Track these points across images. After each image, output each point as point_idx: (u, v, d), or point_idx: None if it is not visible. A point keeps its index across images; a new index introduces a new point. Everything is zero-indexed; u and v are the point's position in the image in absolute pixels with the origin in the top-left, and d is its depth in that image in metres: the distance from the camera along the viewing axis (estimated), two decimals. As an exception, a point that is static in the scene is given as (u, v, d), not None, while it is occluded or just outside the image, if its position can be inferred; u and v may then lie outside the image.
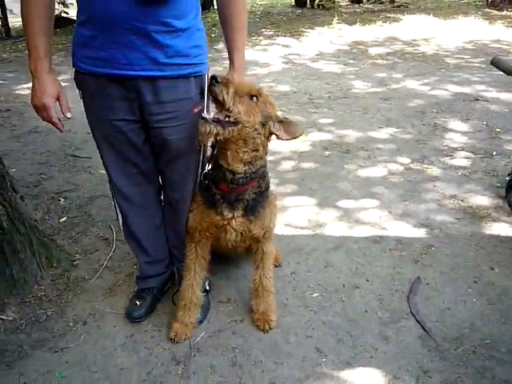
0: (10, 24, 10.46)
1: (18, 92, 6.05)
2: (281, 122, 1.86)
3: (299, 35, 9.81)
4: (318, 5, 13.99)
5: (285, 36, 9.81)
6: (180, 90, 1.77)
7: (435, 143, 4.29)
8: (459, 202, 3.29)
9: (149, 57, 1.66)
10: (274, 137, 1.90)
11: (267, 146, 1.90)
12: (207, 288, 2.33)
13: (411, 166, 3.86)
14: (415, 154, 4.07)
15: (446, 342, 2.12)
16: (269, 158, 2.03)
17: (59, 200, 3.38)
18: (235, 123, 1.71)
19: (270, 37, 9.78)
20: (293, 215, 3.15)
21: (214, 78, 1.66)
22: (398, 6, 13.77)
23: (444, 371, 1.98)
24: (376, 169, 3.82)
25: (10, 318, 2.25)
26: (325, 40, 9.41)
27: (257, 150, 1.83)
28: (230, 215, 1.95)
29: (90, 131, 1.96)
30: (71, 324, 2.25)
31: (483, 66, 6.92)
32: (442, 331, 2.19)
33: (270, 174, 2.10)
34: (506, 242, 2.83)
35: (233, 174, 1.85)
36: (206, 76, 1.87)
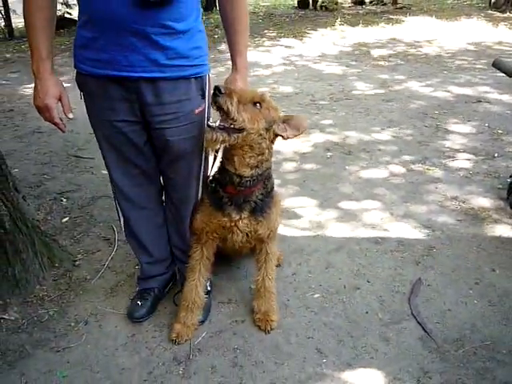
0: (13, 24, 10.48)
1: (20, 92, 6.07)
2: (285, 121, 1.88)
3: (302, 36, 9.82)
4: (321, 6, 14.01)
5: (287, 37, 9.82)
6: (181, 91, 1.78)
7: (437, 145, 4.29)
8: (461, 203, 3.29)
9: (149, 58, 1.67)
10: (279, 138, 1.92)
11: (272, 148, 1.92)
12: (209, 288, 2.34)
13: (413, 167, 3.86)
14: (417, 155, 4.07)
15: (447, 344, 2.12)
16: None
17: (61, 200, 3.39)
18: (240, 130, 1.74)
19: (272, 38, 9.79)
20: (294, 216, 3.15)
21: (217, 88, 1.68)
22: (401, 8, 13.77)
23: (445, 372, 1.98)
24: (378, 170, 3.82)
25: (12, 318, 2.26)
26: (327, 41, 9.42)
27: (263, 154, 1.86)
28: (237, 217, 1.98)
29: (92, 132, 1.97)
30: (73, 324, 2.26)
31: (485, 67, 6.92)
32: (443, 332, 2.19)
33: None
34: (507, 243, 2.83)
35: (240, 178, 1.88)
36: (206, 77, 1.88)
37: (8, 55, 8.67)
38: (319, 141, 4.43)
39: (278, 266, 2.57)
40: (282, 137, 1.88)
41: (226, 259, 2.55)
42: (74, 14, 10.75)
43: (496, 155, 4.03)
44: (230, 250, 2.29)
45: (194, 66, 1.78)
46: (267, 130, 1.82)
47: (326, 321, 2.27)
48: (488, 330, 2.20)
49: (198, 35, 1.78)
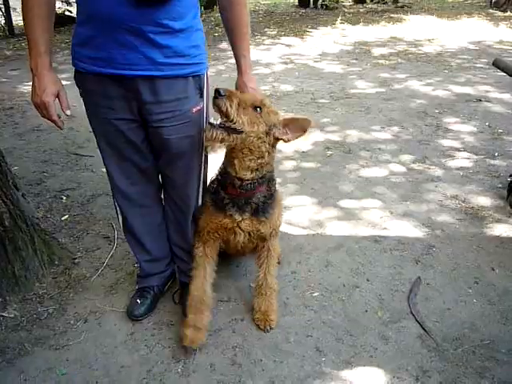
0: (13, 22, 10.46)
1: (21, 90, 6.06)
2: (286, 124, 1.88)
3: (302, 35, 9.81)
4: (322, 5, 13.99)
5: (288, 36, 9.81)
6: (178, 89, 1.78)
7: (437, 144, 4.28)
8: (460, 202, 3.29)
9: (147, 57, 1.66)
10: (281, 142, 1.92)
11: (273, 152, 1.93)
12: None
13: (413, 166, 3.86)
14: (417, 154, 4.07)
15: (446, 342, 2.13)
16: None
17: (61, 198, 3.39)
18: (239, 132, 1.75)
19: (273, 36, 9.78)
20: (294, 215, 3.15)
21: (217, 91, 1.70)
22: (402, 7, 13.75)
23: (444, 371, 1.98)
24: (378, 169, 3.82)
25: (11, 316, 2.26)
26: (328, 40, 9.40)
27: (263, 157, 1.87)
28: (239, 218, 2.00)
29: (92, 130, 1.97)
30: (72, 322, 2.26)
31: (486, 66, 6.91)
32: (442, 331, 2.19)
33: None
34: (506, 242, 2.83)
35: (241, 181, 1.90)
36: (204, 76, 1.88)
37: (8, 53, 8.66)
38: (319, 139, 4.43)
39: (277, 263, 2.57)
40: (283, 140, 1.88)
41: (225, 258, 2.55)
42: (75, 11, 10.66)
43: (496, 154, 4.03)
44: (233, 251, 2.29)
45: (192, 64, 1.78)
46: (267, 133, 1.83)
47: (325, 319, 2.27)
48: (487, 329, 2.20)
49: (196, 34, 1.78)
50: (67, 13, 11.03)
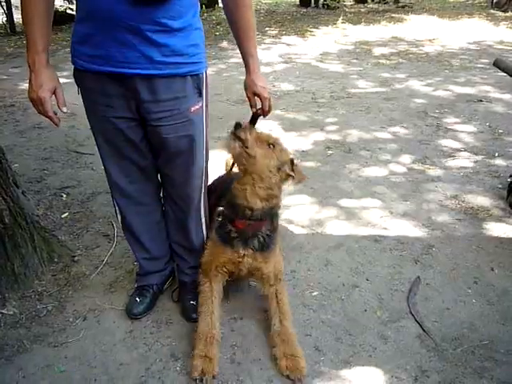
0: (15, 20, 10.46)
1: (22, 87, 6.05)
2: (293, 167, 2.03)
3: (303, 34, 9.81)
4: (323, 4, 14.00)
5: (289, 35, 9.81)
6: (177, 88, 1.77)
7: (437, 144, 4.28)
8: (460, 202, 3.29)
9: (145, 55, 1.66)
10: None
11: (281, 188, 2.03)
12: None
13: (413, 166, 3.86)
14: (417, 154, 4.07)
15: (445, 342, 2.12)
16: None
17: (61, 196, 3.39)
18: (253, 157, 1.91)
19: (274, 36, 9.78)
20: (294, 214, 3.15)
21: (238, 124, 1.90)
22: (403, 7, 13.76)
23: (442, 371, 1.98)
24: (378, 168, 3.82)
25: (11, 313, 2.26)
26: (329, 39, 9.41)
27: (272, 189, 1.97)
28: (244, 252, 2.05)
29: (92, 128, 1.97)
30: (71, 319, 2.26)
31: (487, 67, 6.91)
32: (441, 331, 2.19)
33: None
34: (506, 243, 2.83)
35: (251, 211, 1.96)
36: (203, 75, 1.87)
37: (9, 50, 8.66)
38: (319, 139, 4.43)
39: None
40: (292, 177, 2.02)
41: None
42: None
43: (496, 155, 4.03)
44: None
45: (191, 63, 1.77)
46: (278, 169, 1.97)
47: (324, 318, 2.27)
48: (486, 330, 2.20)
49: (195, 32, 1.77)
50: (69, 11, 11.03)
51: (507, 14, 11.82)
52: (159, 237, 2.29)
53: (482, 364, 2.01)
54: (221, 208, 2.09)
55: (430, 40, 9.17)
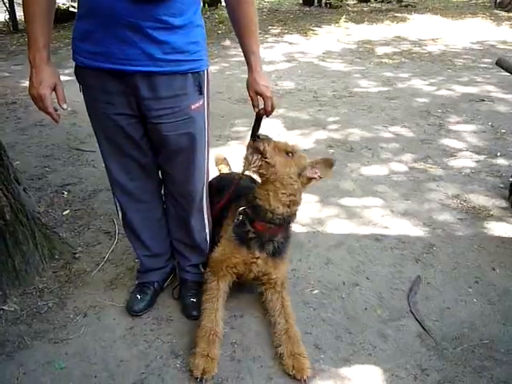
0: (17, 17, 10.47)
1: (24, 85, 6.06)
2: (314, 165, 2.07)
3: (306, 33, 9.80)
4: (326, 3, 13.96)
5: (291, 34, 9.80)
6: (177, 86, 1.77)
7: (439, 143, 4.28)
8: (462, 202, 3.29)
9: (146, 53, 1.65)
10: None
11: (302, 193, 2.06)
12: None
13: (415, 165, 3.85)
14: (419, 153, 4.07)
15: (445, 341, 2.12)
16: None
17: (63, 193, 3.40)
18: (273, 166, 1.96)
19: (276, 34, 9.77)
20: (295, 212, 3.14)
21: (257, 135, 1.98)
22: (406, 6, 13.72)
23: (442, 370, 1.98)
24: (379, 167, 3.81)
25: (12, 309, 2.27)
26: (332, 38, 9.39)
27: (294, 195, 2.01)
28: (259, 255, 2.08)
29: (94, 125, 1.96)
30: (72, 316, 2.26)
31: (490, 66, 6.90)
32: (442, 330, 2.19)
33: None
34: (507, 242, 2.82)
35: (272, 214, 2.00)
36: (204, 72, 1.86)
37: (12, 48, 8.68)
38: (321, 137, 4.43)
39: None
40: (315, 178, 2.06)
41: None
42: (78, 7, 10.71)
43: (498, 154, 4.03)
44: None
45: (191, 60, 1.77)
46: (299, 174, 2.01)
47: (324, 317, 2.27)
48: (487, 329, 2.20)
49: (196, 30, 1.76)
50: (71, 9, 11.04)
51: (510, 14, 11.78)
52: (160, 234, 2.29)
53: (482, 363, 2.01)
54: (242, 208, 2.11)
55: (433, 39, 9.15)
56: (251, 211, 2.06)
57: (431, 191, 3.44)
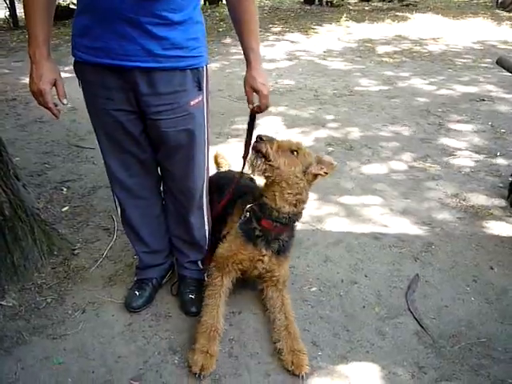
0: (17, 14, 10.46)
1: (24, 81, 6.05)
2: (319, 161, 2.06)
3: (307, 32, 9.79)
4: (327, 2, 13.96)
5: (292, 32, 9.79)
6: (176, 82, 1.77)
7: (439, 142, 4.28)
8: (461, 201, 3.29)
9: (145, 48, 1.65)
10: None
11: (308, 190, 2.07)
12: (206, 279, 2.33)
13: (414, 164, 3.85)
14: (419, 152, 4.07)
15: (443, 339, 2.13)
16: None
17: (62, 189, 3.40)
18: (278, 168, 1.95)
19: (277, 33, 9.76)
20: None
21: (259, 136, 1.95)
22: (407, 5, 13.71)
23: (439, 368, 1.98)
24: (379, 166, 3.81)
25: (10, 305, 2.27)
26: (332, 37, 9.39)
27: (300, 194, 2.02)
28: (265, 252, 2.08)
29: (93, 122, 1.96)
30: (70, 312, 2.26)
31: (490, 66, 6.89)
32: (439, 328, 2.19)
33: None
34: (506, 242, 2.83)
35: (278, 213, 2.01)
36: (204, 69, 1.86)
37: (12, 44, 8.67)
38: (321, 136, 4.43)
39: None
40: (321, 175, 2.05)
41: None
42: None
43: (498, 154, 4.03)
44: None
45: (191, 57, 1.76)
46: (304, 172, 2.01)
47: (322, 314, 2.27)
48: (484, 328, 2.20)
49: (196, 26, 1.76)
50: (71, 6, 11.03)
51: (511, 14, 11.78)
52: (159, 231, 2.30)
53: (479, 361, 2.02)
54: (249, 205, 2.11)
55: (433, 39, 9.14)
56: (258, 209, 2.06)
57: (430, 190, 3.44)
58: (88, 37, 1.68)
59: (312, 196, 3.30)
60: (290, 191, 1.99)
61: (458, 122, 4.78)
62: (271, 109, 5.06)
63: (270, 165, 1.94)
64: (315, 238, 2.86)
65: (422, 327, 2.19)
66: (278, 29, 10.19)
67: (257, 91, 1.98)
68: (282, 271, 2.18)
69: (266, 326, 2.19)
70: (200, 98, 1.88)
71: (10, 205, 2.30)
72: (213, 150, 2.64)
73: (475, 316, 2.27)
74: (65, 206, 3.17)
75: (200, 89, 1.86)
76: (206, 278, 2.26)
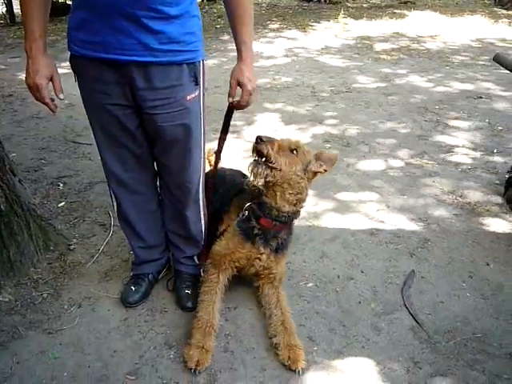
0: (14, 10, 10.41)
1: (20, 77, 6.02)
2: (318, 158, 2.06)
3: (305, 29, 9.77)
4: (325, -1, 13.91)
5: (290, 29, 9.76)
6: (172, 76, 1.76)
7: (436, 139, 4.28)
8: (457, 197, 3.30)
9: (141, 42, 1.65)
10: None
11: (308, 188, 2.07)
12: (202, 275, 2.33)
13: (411, 160, 3.86)
14: (416, 149, 4.07)
15: (438, 335, 2.14)
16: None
17: (58, 185, 3.39)
18: (279, 170, 1.94)
19: (275, 30, 9.73)
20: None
21: (259, 137, 1.93)
22: (405, 2, 13.67)
23: (434, 363, 1.99)
24: (376, 163, 3.82)
25: (6, 300, 2.27)
26: (330, 34, 9.36)
27: (301, 193, 2.03)
28: (263, 250, 2.09)
29: (90, 117, 1.96)
30: (66, 307, 2.26)
31: (488, 64, 6.88)
32: (435, 324, 2.20)
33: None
34: (502, 238, 2.84)
35: (278, 212, 2.02)
36: (200, 63, 1.86)
37: (9, 40, 8.63)
38: (318, 132, 4.42)
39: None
40: (321, 172, 2.06)
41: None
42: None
43: (495, 151, 4.03)
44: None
45: (187, 51, 1.76)
46: (305, 170, 2.00)
47: (318, 309, 2.28)
48: (479, 323, 2.21)
49: (192, 20, 1.75)
50: (68, 1, 10.99)
51: (510, 12, 11.77)
52: (155, 226, 2.29)
53: (475, 357, 2.02)
54: (248, 204, 2.11)
55: (431, 36, 9.13)
56: (257, 207, 2.06)
57: (427, 187, 3.45)
58: (85, 31, 1.68)
59: (309, 192, 3.30)
60: (291, 191, 1.99)
61: (455, 119, 4.78)
62: (268, 105, 5.07)
63: (271, 168, 1.92)
64: (312, 233, 2.86)
65: (418, 323, 2.20)
66: (276, 26, 10.17)
67: (241, 85, 1.94)
68: (279, 268, 2.19)
69: (262, 321, 2.19)
70: (197, 93, 1.87)
71: (5, 200, 2.30)
72: (209, 146, 2.64)
73: (471, 312, 2.28)
74: (61, 202, 3.17)
75: (197, 83, 1.85)
76: (202, 274, 2.25)
